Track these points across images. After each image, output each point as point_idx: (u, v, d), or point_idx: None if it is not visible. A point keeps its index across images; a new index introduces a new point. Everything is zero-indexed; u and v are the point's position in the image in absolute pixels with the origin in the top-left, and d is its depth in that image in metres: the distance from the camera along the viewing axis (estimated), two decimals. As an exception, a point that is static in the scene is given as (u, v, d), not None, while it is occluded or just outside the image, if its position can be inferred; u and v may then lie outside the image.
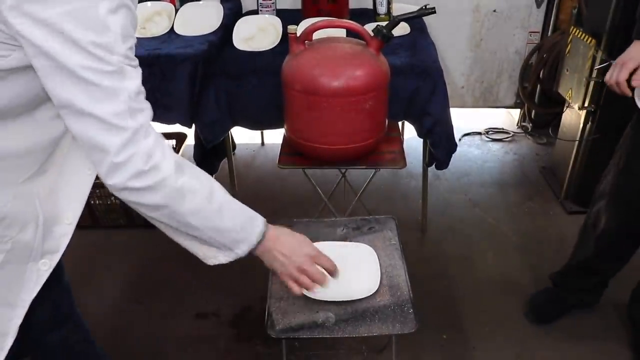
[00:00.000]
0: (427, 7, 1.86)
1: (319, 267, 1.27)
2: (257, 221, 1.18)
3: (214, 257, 1.18)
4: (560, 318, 2.16)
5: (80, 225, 1.25)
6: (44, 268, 1.17)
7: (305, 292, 1.34)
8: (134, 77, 0.96)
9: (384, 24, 1.88)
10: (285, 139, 2.14)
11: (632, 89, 1.63)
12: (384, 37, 1.86)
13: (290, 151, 2.10)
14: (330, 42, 1.94)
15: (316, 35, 1.94)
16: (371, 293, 1.46)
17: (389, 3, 2.57)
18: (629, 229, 1.89)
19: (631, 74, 1.60)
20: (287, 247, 1.23)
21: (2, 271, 1.12)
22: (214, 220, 1.11)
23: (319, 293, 1.43)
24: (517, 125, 3.60)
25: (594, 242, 1.97)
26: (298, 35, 1.90)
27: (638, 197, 1.80)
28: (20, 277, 1.15)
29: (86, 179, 1.19)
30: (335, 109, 1.84)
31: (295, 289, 1.26)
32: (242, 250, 1.16)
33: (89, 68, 0.89)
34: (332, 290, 1.44)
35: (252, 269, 2.35)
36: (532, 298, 2.22)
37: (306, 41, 1.90)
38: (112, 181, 0.98)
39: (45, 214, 1.14)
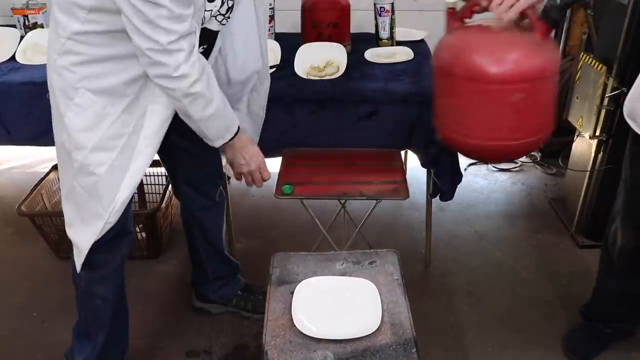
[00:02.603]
0: None
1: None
2: (232, 127, 1.65)
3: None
4: (601, 353, 2.06)
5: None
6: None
7: (302, 330, 1.42)
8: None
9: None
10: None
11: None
12: (554, 21, 1.58)
13: (287, 180, 2.05)
14: (487, 24, 1.68)
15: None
16: (372, 331, 1.43)
17: (391, 28, 2.54)
18: None
19: None
20: (250, 154, 1.73)
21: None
22: (205, 123, 1.58)
23: (318, 331, 1.42)
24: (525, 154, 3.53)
25: (615, 262, 1.92)
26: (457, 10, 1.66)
27: None
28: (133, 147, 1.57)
29: None
30: (506, 98, 1.58)
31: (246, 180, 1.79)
32: (219, 144, 1.65)
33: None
34: (331, 328, 1.43)
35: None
36: (567, 337, 2.12)
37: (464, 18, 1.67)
38: (150, 73, 1.44)
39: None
